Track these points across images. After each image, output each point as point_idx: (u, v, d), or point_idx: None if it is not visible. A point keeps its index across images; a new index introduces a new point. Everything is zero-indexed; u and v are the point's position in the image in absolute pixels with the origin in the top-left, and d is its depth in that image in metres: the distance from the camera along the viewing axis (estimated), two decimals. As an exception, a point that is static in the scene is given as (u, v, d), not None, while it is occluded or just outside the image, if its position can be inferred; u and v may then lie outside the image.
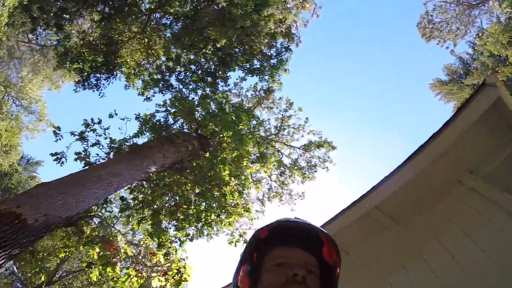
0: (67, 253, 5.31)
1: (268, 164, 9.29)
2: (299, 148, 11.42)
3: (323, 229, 0.91)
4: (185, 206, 5.79)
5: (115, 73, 7.77)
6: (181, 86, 8.01)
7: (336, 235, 2.88)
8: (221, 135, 7.60)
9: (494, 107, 2.60)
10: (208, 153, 6.85)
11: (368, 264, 3.04)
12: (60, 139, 5.59)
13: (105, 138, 5.81)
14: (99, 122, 5.90)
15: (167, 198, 6.41)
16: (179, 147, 6.34)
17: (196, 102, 7.79)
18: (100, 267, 4.79)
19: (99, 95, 7.82)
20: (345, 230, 2.99)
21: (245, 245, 0.95)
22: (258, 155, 9.08)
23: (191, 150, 6.91)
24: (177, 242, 5.94)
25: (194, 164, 7.08)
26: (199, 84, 8.07)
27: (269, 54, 8.32)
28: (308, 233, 0.89)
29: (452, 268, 2.46)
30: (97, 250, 4.66)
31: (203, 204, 6.18)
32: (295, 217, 0.95)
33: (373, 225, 3.02)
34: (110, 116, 6.03)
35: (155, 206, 6.10)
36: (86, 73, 7.50)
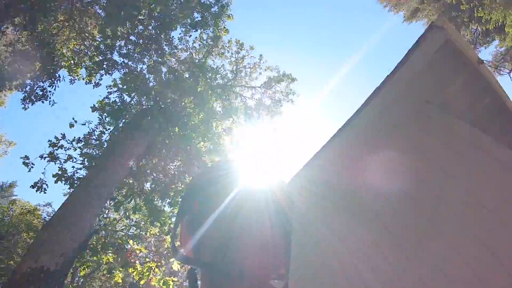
0: (85, 268, 5.68)
1: (237, 113, 9.53)
2: (259, 87, 11.53)
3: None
4: (173, 186, 6.09)
5: (57, 75, 7.13)
6: (126, 61, 7.52)
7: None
8: (182, 102, 7.54)
9: (442, 49, 2.90)
10: (176, 127, 6.90)
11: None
12: (31, 167, 5.48)
13: (75, 150, 5.72)
14: (63, 137, 5.76)
15: (152, 184, 6.66)
16: (147, 130, 6.33)
17: (146, 72, 7.50)
18: (121, 269, 5.24)
19: (50, 104, 7.43)
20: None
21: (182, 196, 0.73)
22: (222, 109, 9.21)
23: (158, 127, 6.92)
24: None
25: (167, 142, 7.18)
26: (144, 53, 7.61)
27: (208, 3, 7.81)
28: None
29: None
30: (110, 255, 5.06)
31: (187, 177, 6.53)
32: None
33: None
34: (71, 126, 5.83)
35: (143, 194, 6.37)
36: (28, 87, 6.97)
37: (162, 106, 7.27)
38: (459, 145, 3.03)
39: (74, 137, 5.82)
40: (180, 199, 1.10)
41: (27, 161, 5.34)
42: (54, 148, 5.58)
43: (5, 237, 22.03)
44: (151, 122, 6.50)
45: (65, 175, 5.29)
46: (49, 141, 5.69)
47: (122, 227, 9.74)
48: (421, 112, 3.41)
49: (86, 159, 5.58)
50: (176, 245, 0.67)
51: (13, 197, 28.25)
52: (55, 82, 7.35)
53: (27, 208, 23.96)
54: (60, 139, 5.67)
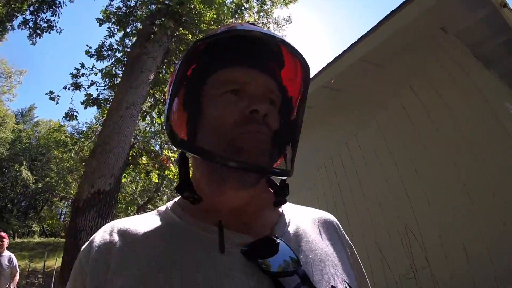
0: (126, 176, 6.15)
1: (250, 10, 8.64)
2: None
3: (286, 40, 0.56)
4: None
5: (57, 2, 6.45)
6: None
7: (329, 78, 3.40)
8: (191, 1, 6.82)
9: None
10: (190, 35, 6.40)
11: (357, 103, 3.54)
12: (58, 100, 5.51)
13: (95, 74, 5.64)
14: (82, 66, 5.59)
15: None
16: (160, 40, 5.89)
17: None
18: (158, 172, 5.68)
19: (57, 32, 7.16)
20: (337, 76, 3.40)
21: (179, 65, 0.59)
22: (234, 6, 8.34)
23: (170, 34, 6.43)
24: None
25: (182, 49, 6.77)
26: None
27: None
28: (266, 46, 0.58)
29: (421, 115, 2.99)
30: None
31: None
32: (248, 23, 0.61)
33: (361, 70, 3.39)
34: (87, 53, 5.61)
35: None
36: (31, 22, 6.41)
37: (170, 5, 6.61)
38: (459, 76, 2.72)
39: (93, 64, 5.77)
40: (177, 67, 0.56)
41: (52, 95, 5.52)
42: (76, 78, 5.64)
43: (37, 158, 23.90)
44: (162, 30, 6.00)
45: (91, 98, 5.36)
46: (70, 73, 5.80)
47: (153, 135, 10.21)
48: (434, 38, 2.97)
49: (108, 80, 5.54)
50: (170, 121, 0.54)
51: (35, 119, 29.62)
52: (57, 9, 6.82)
53: (52, 127, 25.31)
54: (80, 69, 5.67)
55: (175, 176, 6.12)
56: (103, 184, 3.30)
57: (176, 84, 0.54)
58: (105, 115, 4.93)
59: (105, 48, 7.67)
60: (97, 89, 5.82)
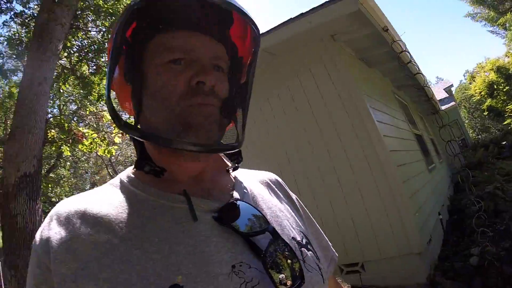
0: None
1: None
2: None
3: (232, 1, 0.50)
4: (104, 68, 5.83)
5: None
6: None
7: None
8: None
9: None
10: None
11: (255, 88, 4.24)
12: None
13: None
14: None
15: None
16: (68, 1, 5.36)
17: None
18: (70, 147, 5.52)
19: None
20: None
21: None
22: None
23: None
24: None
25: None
26: None
27: None
28: (212, 6, 0.49)
29: (304, 103, 3.86)
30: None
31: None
32: None
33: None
34: None
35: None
36: None
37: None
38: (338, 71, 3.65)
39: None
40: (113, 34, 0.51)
41: None
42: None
43: None
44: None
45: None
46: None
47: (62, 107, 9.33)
48: (322, 41, 3.78)
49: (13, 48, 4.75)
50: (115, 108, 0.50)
51: None
52: None
53: None
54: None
55: (91, 147, 6.04)
56: (28, 167, 3.20)
57: (114, 53, 0.48)
58: (13, 89, 4.41)
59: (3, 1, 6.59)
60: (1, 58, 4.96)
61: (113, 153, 6.49)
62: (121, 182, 0.54)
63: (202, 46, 0.51)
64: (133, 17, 0.49)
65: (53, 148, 6.15)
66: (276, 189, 0.68)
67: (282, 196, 0.67)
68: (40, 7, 5.48)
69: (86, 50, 6.44)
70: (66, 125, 5.57)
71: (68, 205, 0.48)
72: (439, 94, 14.37)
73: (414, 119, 7.32)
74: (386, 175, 3.32)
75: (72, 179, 18.14)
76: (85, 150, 5.94)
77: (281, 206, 0.62)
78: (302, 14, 3.51)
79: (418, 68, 5.56)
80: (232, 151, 0.58)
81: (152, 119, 0.50)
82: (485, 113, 14.01)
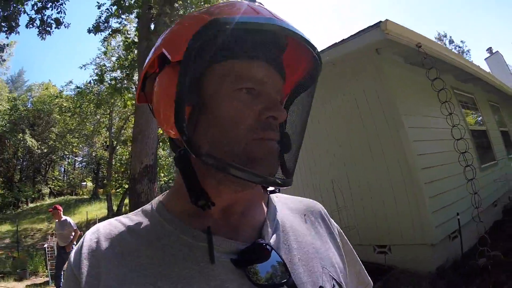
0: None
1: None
2: None
3: (312, 41, 0.51)
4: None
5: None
6: None
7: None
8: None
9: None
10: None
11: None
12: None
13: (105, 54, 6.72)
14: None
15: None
16: (160, 31, 7.00)
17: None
18: None
19: (66, 27, 7.86)
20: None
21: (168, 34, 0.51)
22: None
23: (169, 23, 7.51)
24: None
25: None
26: None
27: None
28: (286, 42, 0.53)
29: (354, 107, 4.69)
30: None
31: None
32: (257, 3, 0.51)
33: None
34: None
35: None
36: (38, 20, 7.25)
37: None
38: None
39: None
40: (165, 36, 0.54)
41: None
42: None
43: (35, 122, 24.76)
44: (160, 20, 7.08)
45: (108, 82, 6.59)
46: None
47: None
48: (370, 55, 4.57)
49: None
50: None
51: (26, 83, 29.89)
52: (61, 6, 7.53)
53: (46, 87, 26.18)
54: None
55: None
56: (148, 160, 4.93)
57: (184, 69, 0.44)
58: (128, 102, 6.25)
59: (102, 21, 8.76)
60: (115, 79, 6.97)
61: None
62: (151, 209, 0.56)
63: (272, 79, 0.51)
64: (212, 37, 0.45)
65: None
66: (316, 222, 0.65)
67: (322, 231, 0.64)
68: (139, 35, 7.33)
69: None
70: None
71: (101, 232, 0.52)
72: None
73: (482, 112, 7.37)
74: (412, 176, 4.10)
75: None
76: None
77: (318, 244, 0.59)
78: (343, 40, 4.39)
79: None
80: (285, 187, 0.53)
81: (211, 146, 0.47)
82: None
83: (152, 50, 0.52)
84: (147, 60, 0.52)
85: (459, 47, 47.54)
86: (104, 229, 0.53)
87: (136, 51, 7.83)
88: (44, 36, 7.76)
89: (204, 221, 0.51)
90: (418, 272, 3.84)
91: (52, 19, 7.68)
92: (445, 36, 48.43)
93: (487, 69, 13.65)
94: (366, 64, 4.54)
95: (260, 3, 0.52)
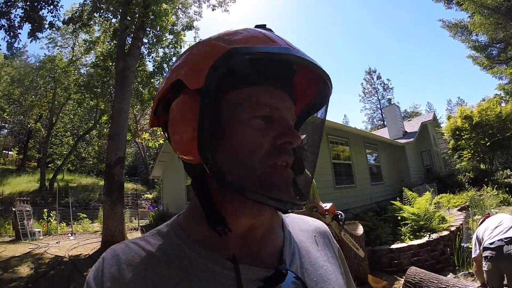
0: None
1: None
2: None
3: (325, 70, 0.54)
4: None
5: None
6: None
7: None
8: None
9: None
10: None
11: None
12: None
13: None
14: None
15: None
16: (135, 52, 9.86)
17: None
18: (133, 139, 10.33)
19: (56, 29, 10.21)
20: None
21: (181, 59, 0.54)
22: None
23: (141, 45, 10.46)
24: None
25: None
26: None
27: None
28: (310, 68, 0.52)
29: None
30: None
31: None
32: (272, 35, 0.53)
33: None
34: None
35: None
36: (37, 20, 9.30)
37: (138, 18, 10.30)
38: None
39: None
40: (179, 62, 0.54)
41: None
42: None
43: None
44: (135, 44, 9.91)
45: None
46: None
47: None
48: None
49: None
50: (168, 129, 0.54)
51: None
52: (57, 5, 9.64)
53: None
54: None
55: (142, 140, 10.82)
56: (120, 153, 7.88)
57: (205, 98, 0.47)
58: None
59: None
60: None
61: (157, 145, 11.70)
62: (168, 231, 0.57)
63: (286, 104, 0.55)
64: (231, 66, 0.47)
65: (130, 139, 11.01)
66: (324, 244, 0.69)
67: (329, 252, 0.68)
68: (117, 56, 9.90)
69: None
70: (133, 130, 10.38)
71: (121, 258, 0.52)
72: (413, 126, 18.13)
73: (351, 150, 11.48)
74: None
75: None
76: (141, 141, 10.77)
77: (328, 266, 0.63)
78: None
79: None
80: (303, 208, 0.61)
81: (228, 172, 0.49)
82: (449, 151, 17.22)
83: (166, 76, 0.55)
84: (162, 86, 0.55)
85: (385, 83, 56.13)
86: (124, 254, 0.53)
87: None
88: (37, 34, 9.75)
89: (225, 247, 0.53)
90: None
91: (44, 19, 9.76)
92: (375, 71, 56.82)
93: (389, 113, 18.56)
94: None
95: (270, 29, 0.55)
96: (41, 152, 24.60)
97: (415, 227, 6.88)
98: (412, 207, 7.34)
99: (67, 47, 21.00)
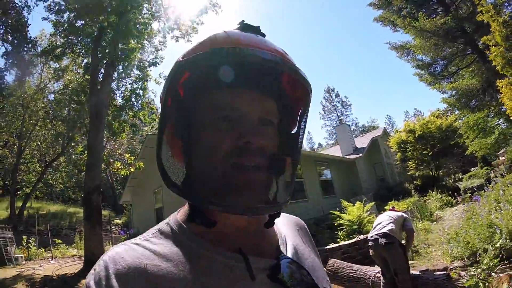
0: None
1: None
2: None
3: (291, 61, 0.55)
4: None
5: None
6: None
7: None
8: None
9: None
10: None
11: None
12: None
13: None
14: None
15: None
16: (107, 88, 11.22)
17: None
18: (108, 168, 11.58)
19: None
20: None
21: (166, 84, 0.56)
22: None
23: (113, 80, 11.87)
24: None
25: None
26: None
27: None
28: (261, 63, 0.51)
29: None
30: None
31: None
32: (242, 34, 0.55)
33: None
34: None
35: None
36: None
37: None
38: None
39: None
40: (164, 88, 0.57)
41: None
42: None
43: None
44: (107, 81, 11.23)
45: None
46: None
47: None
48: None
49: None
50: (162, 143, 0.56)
51: None
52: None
53: None
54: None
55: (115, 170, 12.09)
56: (97, 181, 9.15)
57: (163, 110, 0.54)
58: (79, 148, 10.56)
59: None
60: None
61: (128, 173, 12.53)
62: (173, 232, 0.56)
63: (251, 103, 0.55)
64: (183, 74, 0.52)
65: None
66: (305, 236, 0.75)
67: (310, 244, 0.73)
68: (90, 92, 11.14)
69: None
70: (105, 160, 11.67)
71: (125, 259, 0.50)
72: (365, 141, 20.15)
73: (303, 168, 13.17)
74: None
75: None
76: (114, 170, 11.97)
77: (313, 257, 0.68)
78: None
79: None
80: (278, 211, 0.58)
81: (198, 178, 0.54)
82: (397, 163, 18.76)
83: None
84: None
85: (343, 101, 59.82)
86: (129, 255, 0.51)
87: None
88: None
89: (227, 241, 0.56)
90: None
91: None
92: (333, 90, 60.41)
93: (340, 132, 20.59)
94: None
95: (249, 25, 0.58)
96: (6, 179, 24.61)
97: (349, 230, 8.54)
98: (348, 214, 9.02)
99: (35, 73, 21.72)
